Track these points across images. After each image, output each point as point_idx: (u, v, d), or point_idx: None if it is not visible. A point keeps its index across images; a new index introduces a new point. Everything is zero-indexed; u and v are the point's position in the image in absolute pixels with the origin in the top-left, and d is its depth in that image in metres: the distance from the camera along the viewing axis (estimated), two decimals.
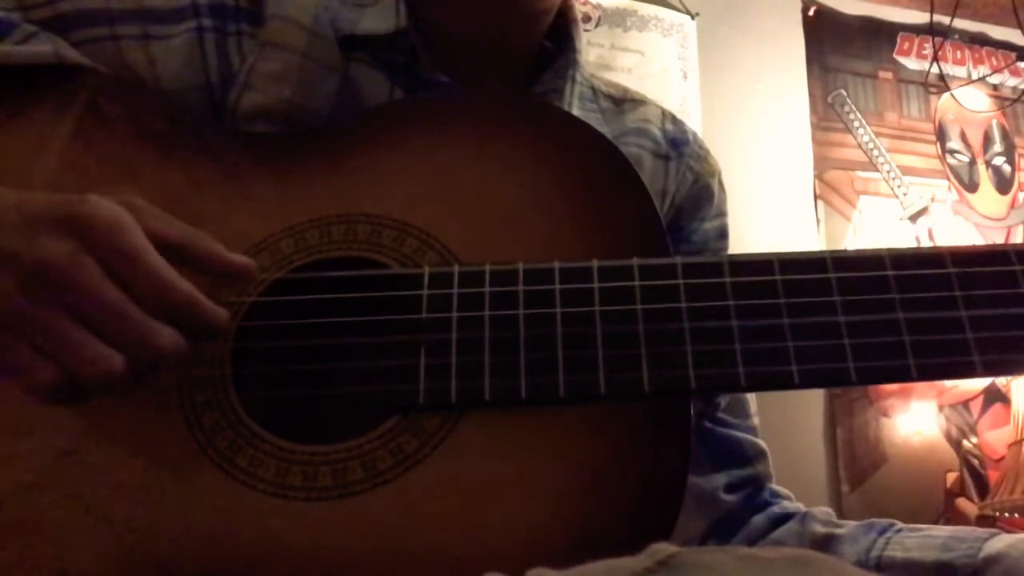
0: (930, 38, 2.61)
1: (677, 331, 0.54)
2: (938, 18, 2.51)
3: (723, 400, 0.78)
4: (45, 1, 0.67)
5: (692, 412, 0.54)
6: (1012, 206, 2.63)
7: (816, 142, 2.47)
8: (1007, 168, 2.67)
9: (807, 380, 0.53)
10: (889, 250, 0.56)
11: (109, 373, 0.48)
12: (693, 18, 2.40)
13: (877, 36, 2.64)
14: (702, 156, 0.82)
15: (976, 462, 2.31)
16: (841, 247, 2.38)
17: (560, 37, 0.78)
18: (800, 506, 0.77)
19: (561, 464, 0.52)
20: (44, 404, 0.50)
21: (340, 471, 0.52)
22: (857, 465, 2.22)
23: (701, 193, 0.81)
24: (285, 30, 0.69)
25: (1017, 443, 2.18)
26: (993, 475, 2.27)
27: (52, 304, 0.48)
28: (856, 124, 2.53)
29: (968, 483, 2.29)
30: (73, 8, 0.67)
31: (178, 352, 0.51)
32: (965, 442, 2.32)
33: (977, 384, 2.35)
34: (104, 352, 0.48)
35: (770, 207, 2.35)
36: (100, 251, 0.49)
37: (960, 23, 2.63)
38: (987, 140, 2.67)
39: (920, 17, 2.59)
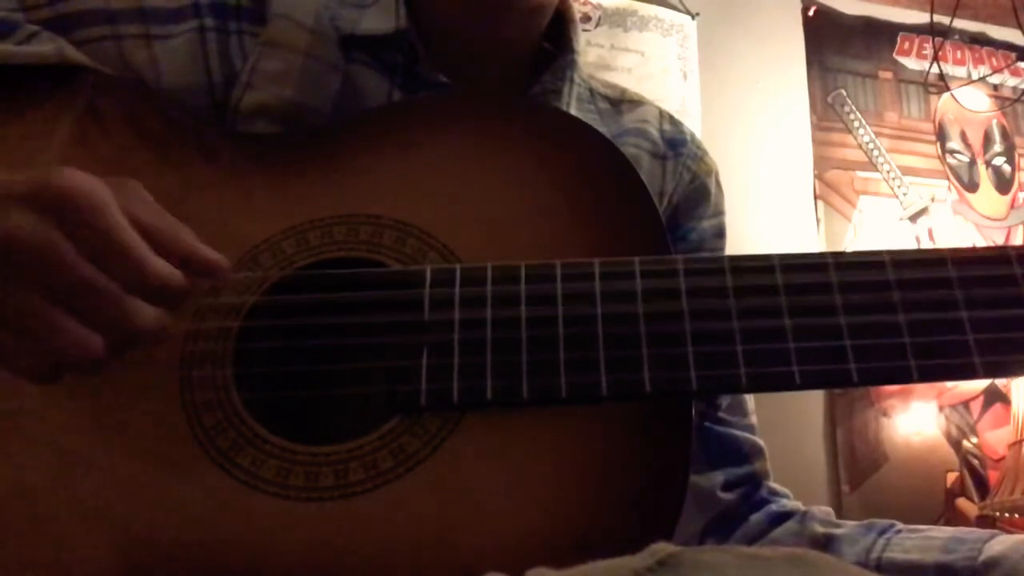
0: (930, 38, 2.61)
1: (678, 332, 0.54)
2: (938, 18, 2.51)
3: (724, 400, 0.78)
4: (46, 1, 0.67)
5: (693, 412, 0.54)
6: (1012, 206, 2.63)
7: (816, 142, 2.47)
8: (1007, 168, 2.67)
9: (808, 381, 0.53)
10: (890, 252, 0.56)
11: (88, 355, 0.48)
12: (693, 18, 2.40)
13: (877, 36, 2.64)
14: (699, 156, 0.82)
15: (976, 462, 2.31)
16: (841, 247, 2.38)
17: (558, 38, 0.78)
18: (799, 504, 0.77)
19: (562, 464, 0.52)
20: (31, 383, 0.49)
21: (341, 472, 0.52)
22: (857, 465, 2.22)
23: (698, 192, 0.81)
24: (287, 29, 0.69)
25: (1017, 443, 2.18)
26: (993, 475, 2.27)
27: (26, 283, 0.47)
28: (856, 124, 2.53)
29: (968, 483, 2.29)
30: (74, 8, 0.67)
31: (159, 327, 0.50)
32: (965, 442, 2.32)
33: (977, 384, 2.35)
34: (82, 334, 0.47)
35: (770, 207, 2.35)
36: (72, 226, 0.47)
37: (960, 23, 2.63)
38: (987, 140, 2.67)
39: (920, 17, 2.59)
